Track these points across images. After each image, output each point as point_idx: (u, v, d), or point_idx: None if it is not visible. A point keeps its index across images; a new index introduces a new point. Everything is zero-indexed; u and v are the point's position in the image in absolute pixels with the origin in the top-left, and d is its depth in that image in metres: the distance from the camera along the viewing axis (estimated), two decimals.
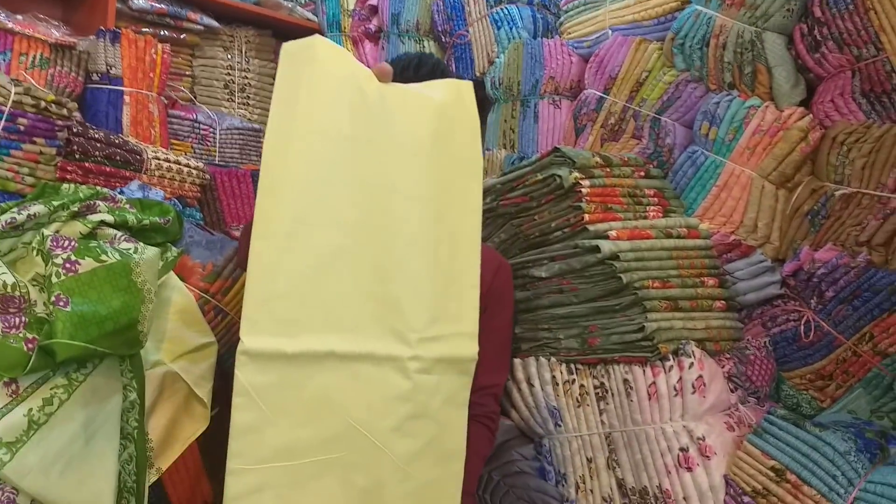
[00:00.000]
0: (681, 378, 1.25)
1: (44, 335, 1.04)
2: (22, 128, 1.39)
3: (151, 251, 1.24)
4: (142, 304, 1.17)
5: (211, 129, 2.07)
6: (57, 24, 1.75)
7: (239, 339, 1.25)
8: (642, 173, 1.58)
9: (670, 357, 1.27)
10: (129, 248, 1.21)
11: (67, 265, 1.08)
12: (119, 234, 1.27)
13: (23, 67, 1.62)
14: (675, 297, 1.36)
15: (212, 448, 1.38)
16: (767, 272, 1.47)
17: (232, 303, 1.41)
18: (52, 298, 1.07)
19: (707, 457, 1.21)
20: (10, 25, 1.58)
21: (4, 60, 1.59)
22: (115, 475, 1.11)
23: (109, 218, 1.26)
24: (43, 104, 1.41)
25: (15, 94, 1.37)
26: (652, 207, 1.51)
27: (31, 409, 1.02)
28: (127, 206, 1.35)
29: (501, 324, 1.33)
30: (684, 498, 1.23)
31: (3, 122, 1.35)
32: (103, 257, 1.14)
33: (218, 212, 1.87)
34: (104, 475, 1.09)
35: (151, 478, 1.20)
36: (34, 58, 1.65)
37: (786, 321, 1.42)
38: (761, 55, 1.56)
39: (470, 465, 1.24)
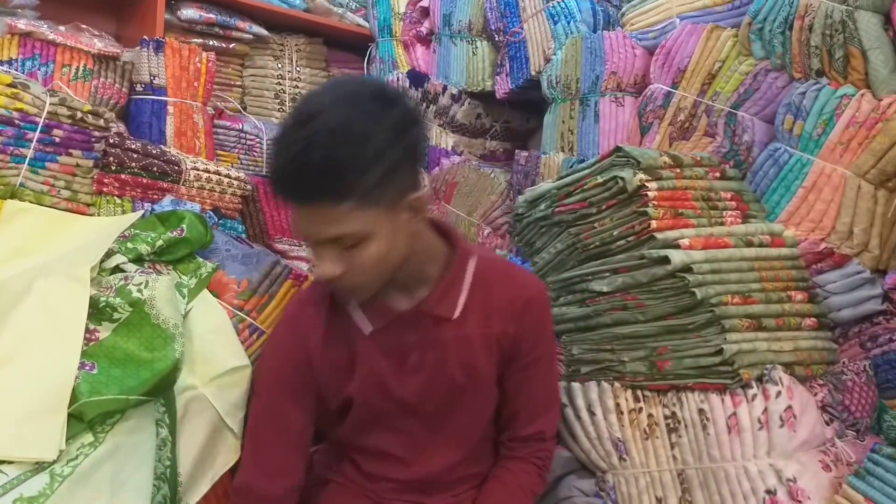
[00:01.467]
0: (766, 409, 1.09)
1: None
2: (57, 139, 1.35)
3: (162, 283, 1.20)
4: (173, 342, 1.14)
5: (258, 139, 2.01)
6: (100, 34, 1.72)
7: None
8: (717, 174, 1.42)
9: (753, 384, 1.11)
10: (141, 284, 1.17)
11: (87, 335, 1.09)
12: (133, 269, 1.24)
13: (65, 79, 1.60)
14: (758, 314, 1.19)
15: None
16: (866, 285, 1.29)
17: (268, 320, 1.32)
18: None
19: (799, 501, 1.04)
20: (51, 37, 1.56)
21: (47, 72, 1.57)
22: None
23: (122, 258, 1.24)
24: (79, 115, 1.37)
25: (50, 104, 1.33)
26: (729, 212, 1.35)
27: (52, 464, 0.96)
28: (139, 232, 1.30)
29: (539, 369, 1.12)
30: None
31: (37, 133, 1.32)
32: (115, 315, 1.13)
33: (261, 223, 1.81)
34: None
35: None
36: (77, 69, 1.63)
37: (889, 341, 1.25)
38: (854, 37, 1.37)
39: (517, 502, 1.12)
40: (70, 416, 1.00)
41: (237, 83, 2.23)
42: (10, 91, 1.30)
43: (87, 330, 1.11)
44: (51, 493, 0.92)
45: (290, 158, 0.85)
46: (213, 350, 1.22)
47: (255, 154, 2.00)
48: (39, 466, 0.95)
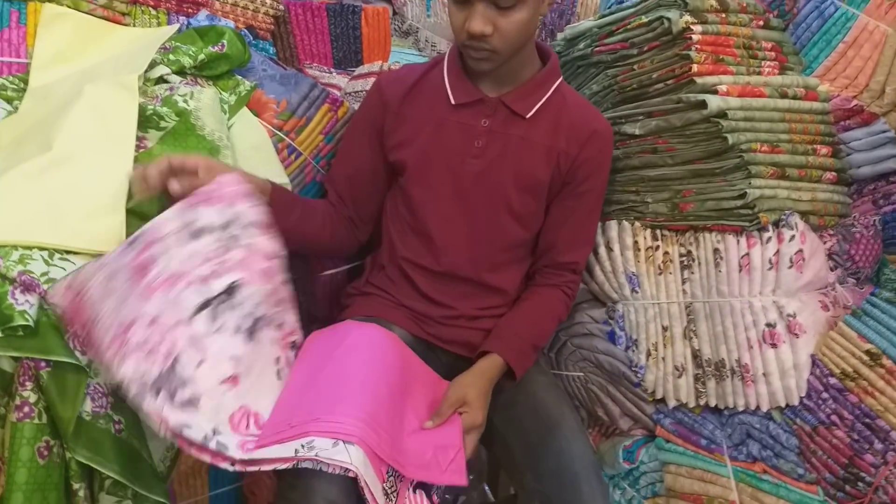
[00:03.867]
0: (778, 251, 1.16)
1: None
2: None
3: (207, 95, 1.21)
4: (218, 153, 1.17)
5: None
6: None
7: (311, 181, 1.21)
8: (761, 23, 1.40)
9: (770, 228, 1.18)
10: (186, 95, 1.18)
11: (136, 143, 1.11)
12: (178, 80, 1.24)
13: None
14: (783, 163, 1.23)
15: None
16: (888, 144, 1.32)
17: (305, 143, 1.35)
18: None
19: (795, 334, 1.15)
20: None
21: None
22: None
23: (166, 69, 1.24)
24: None
25: None
26: (768, 63, 1.35)
27: None
28: (180, 45, 1.29)
29: (586, 202, 1.24)
30: (764, 374, 1.19)
31: None
32: (163, 124, 1.15)
33: (291, 46, 1.77)
34: None
35: None
36: None
37: None
38: None
39: (543, 323, 1.23)
40: (128, 212, 1.05)
41: None
42: None
43: (137, 137, 1.14)
44: None
45: None
46: (255, 165, 1.26)
47: None
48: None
